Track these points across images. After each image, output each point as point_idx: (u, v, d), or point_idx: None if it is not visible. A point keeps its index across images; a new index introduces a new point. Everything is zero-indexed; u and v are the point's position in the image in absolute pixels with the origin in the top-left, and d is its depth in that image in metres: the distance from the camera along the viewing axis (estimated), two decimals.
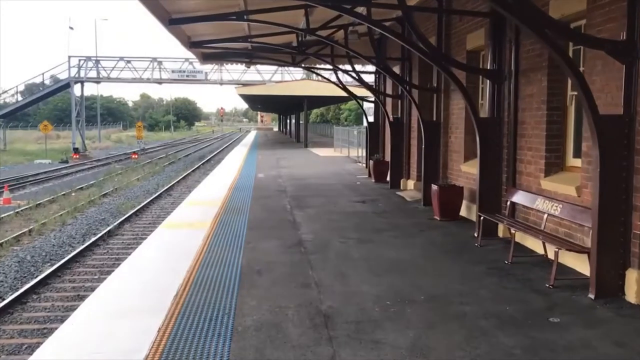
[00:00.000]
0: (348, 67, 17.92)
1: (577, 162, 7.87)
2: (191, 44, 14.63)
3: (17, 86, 67.32)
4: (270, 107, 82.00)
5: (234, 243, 9.04)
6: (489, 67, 9.56)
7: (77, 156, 43.23)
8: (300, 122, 51.76)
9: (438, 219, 10.93)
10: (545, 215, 7.80)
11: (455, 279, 7.04)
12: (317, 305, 6.02)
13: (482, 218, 8.94)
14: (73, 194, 23.96)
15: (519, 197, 8.76)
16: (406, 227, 10.43)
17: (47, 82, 49.33)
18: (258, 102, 63.06)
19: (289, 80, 41.71)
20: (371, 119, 19.94)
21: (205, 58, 17.81)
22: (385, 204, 13.28)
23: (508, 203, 9.03)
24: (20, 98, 51.41)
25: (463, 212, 11.10)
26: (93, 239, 15.22)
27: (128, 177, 30.58)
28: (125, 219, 18.08)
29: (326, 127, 72.53)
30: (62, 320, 8.03)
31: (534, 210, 8.48)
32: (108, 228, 16.47)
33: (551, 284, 6.64)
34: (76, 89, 48.25)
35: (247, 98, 51.49)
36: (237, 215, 11.69)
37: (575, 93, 7.96)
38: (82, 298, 10.40)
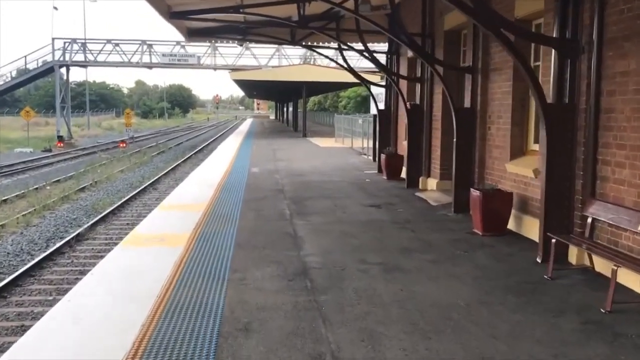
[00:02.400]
0: (355, 46, 15.52)
1: None
2: (172, 15, 12.17)
3: None
4: (266, 94, 79.34)
5: (215, 272, 6.66)
6: (556, 36, 7.16)
7: (62, 145, 40.69)
8: (299, 109, 49.28)
9: (480, 233, 8.55)
10: None
11: (543, 345, 4.67)
12: None
13: (553, 241, 6.54)
14: (48, 187, 21.54)
15: (604, 212, 6.38)
16: (441, 245, 8.05)
17: (34, 66, 46.41)
18: (254, 89, 60.43)
19: (287, 65, 39.13)
20: (381, 106, 17.48)
21: (191, 34, 15.34)
22: (406, 209, 10.89)
23: (589, 220, 6.63)
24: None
25: (511, 225, 8.74)
26: (58, 244, 12.87)
27: (112, 168, 28.12)
28: (101, 218, 15.72)
29: (324, 115, 70.03)
30: None
31: (628, 232, 6.14)
32: (77, 231, 14.12)
33: None
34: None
35: (242, 84, 48.87)
36: (223, 224, 9.30)
37: None
38: (24, 330, 8.09)
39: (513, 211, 8.65)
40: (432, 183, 12.85)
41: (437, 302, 5.70)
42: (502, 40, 6.75)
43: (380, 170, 16.16)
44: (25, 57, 45.13)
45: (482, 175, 10.05)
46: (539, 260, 7.07)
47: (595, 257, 6.48)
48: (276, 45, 41.84)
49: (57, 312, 5.44)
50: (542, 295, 5.91)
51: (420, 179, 13.35)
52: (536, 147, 8.75)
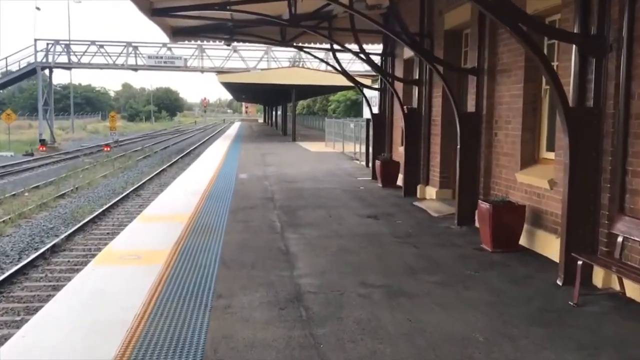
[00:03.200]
0: (348, 47, 14.76)
1: None
2: (154, 12, 11.35)
3: None
4: (255, 98, 78.45)
5: (196, 297, 5.85)
6: (578, 32, 6.44)
7: (44, 148, 39.57)
8: (288, 113, 48.50)
9: (489, 249, 7.80)
10: None
11: None
12: None
13: (580, 263, 5.79)
14: (26, 194, 20.60)
15: (637, 231, 5.65)
16: (449, 264, 7.28)
17: (16, 68, 45.23)
18: (242, 92, 59.56)
19: (276, 68, 38.34)
20: (374, 110, 16.70)
21: (175, 33, 14.52)
22: (406, 221, 10.12)
23: (619, 239, 5.89)
24: None
25: (522, 240, 7.99)
26: (32, 256, 12.02)
27: (95, 173, 27.16)
28: (79, 227, 14.86)
29: (313, 119, 69.31)
30: None
31: None
32: (53, 242, 13.26)
33: None
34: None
35: (229, 87, 47.97)
36: (207, 238, 8.49)
37: None
38: None
39: (525, 225, 7.91)
40: (430, 191, 12.12)
41: (451, 335, 4.93)
42: (520, 35, 6.03)
43: (374, 177, 15.41)
44: (6, 58, 43.93)
45: (488, 185, 9.32)
46: (559, 282, 6.34)
47: (627, 282, 5.74)
48: (265, 48, 41.20)
49: (6, 354, 4.61)
50: (570, 327, 5.16)
51: (418, 187, 12.61)
52: (550, 155, 8.05)
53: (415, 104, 12.84)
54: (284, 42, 14.98)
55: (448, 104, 11.42)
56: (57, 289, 9.86)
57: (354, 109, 70.24)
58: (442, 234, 9.05)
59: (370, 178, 15.80)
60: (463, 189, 9.38)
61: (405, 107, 12.79)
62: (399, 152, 14.68)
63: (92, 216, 16.20)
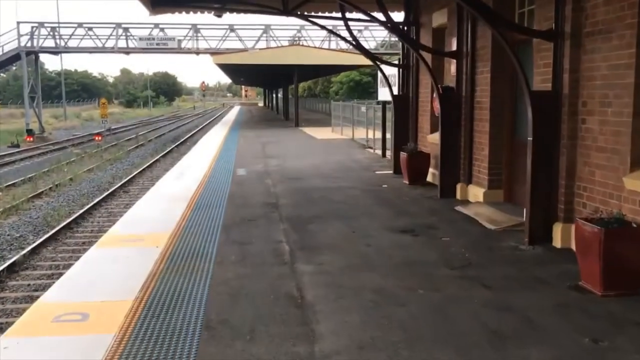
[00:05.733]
0: (361, 17, 12.24)
1: None
2: None
3: None
4: (254, 80, 75.63)
5: None
6: None
7: (31, 139, 37.12)
8: (290, 96, 45.89)
9: (598, 292, 5.33)
10: None
11: None
12: None
13: None
14: (0, 193, 18.22)
15: None
16: (549, 323, 4.78)
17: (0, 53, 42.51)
18: (240, 74, 56.84)
19: (275, 47, 35.64)
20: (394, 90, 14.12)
21: (155, 4, 11.97)
22: (454, 237, 7.60)
23: None
24: None
25: None
26: None
27: (81, 166, 24.71)
28: (51, 236, 12.53)
29: (316, 102, 66.55)
30: None
31: None
32: (14, 258, 10.95)
33: None
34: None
35: (226, 69, 45.30)
36: (188, 276, 6.04)
37: None
38: None
39: None
40: (476, 192, 9.64)
41: None
42: None
43: (397, 172, 12.88)
44: None
45: (570, 192, 6.82)
46: None
47: None
48: (263, 26, 38.57)
49: None
50: None
51: (459, 186, 10.12)
52: None
53: (452, 83, 10.31)
54: (286, 12, 12.38)
55: (499, 82, 8.98)
56: (2, 329, 7.54)
57: (357, 90, 67.72)
58: (512, 260, 6.55)
59: (392, 172, 13.27)
60: (537, 196, 6.90)
61: (439, 86, 10.26)
62: (427, 142, 12.19)
63: (68, 220, 13.88)
